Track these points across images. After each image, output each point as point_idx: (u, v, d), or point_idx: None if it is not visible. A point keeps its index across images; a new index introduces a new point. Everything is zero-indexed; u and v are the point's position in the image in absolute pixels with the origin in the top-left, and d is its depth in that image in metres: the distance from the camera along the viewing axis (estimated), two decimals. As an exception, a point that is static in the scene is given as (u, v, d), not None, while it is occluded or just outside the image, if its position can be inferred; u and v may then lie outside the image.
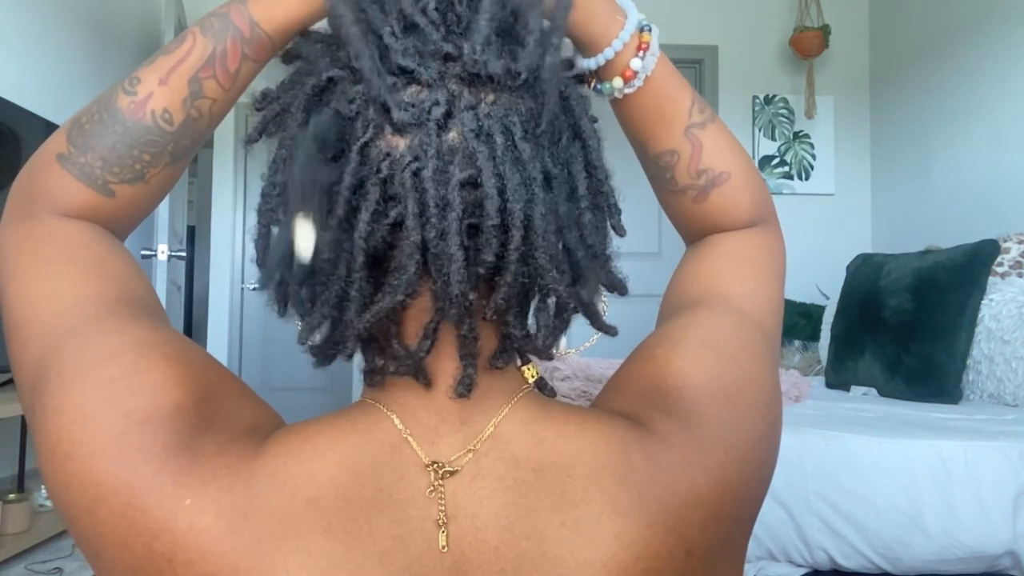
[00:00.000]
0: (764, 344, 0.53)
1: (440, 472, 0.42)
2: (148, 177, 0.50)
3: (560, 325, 0.46)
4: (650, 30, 0.53)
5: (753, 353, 0.51)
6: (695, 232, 0.61)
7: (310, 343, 0.44)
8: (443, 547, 0.40)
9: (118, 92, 0.49)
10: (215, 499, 0.38)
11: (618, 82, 0.53)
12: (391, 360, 0.44)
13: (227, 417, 0.42)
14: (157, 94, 0.49)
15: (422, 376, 0.44)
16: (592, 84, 0.54)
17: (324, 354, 0.44)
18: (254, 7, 0.49)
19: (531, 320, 0.46)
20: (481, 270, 0.41)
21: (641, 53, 0.52)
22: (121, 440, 0.38)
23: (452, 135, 0.40)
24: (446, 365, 0.44)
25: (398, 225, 0.40)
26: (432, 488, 0.42)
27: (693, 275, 0.58)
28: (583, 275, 0.44)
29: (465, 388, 0.44)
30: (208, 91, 0.50)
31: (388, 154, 0.39)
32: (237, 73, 0.50)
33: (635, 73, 0.53)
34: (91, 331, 0.42)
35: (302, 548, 0.38)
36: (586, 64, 0.53)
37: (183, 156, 0.52)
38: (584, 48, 0.53)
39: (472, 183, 0.40)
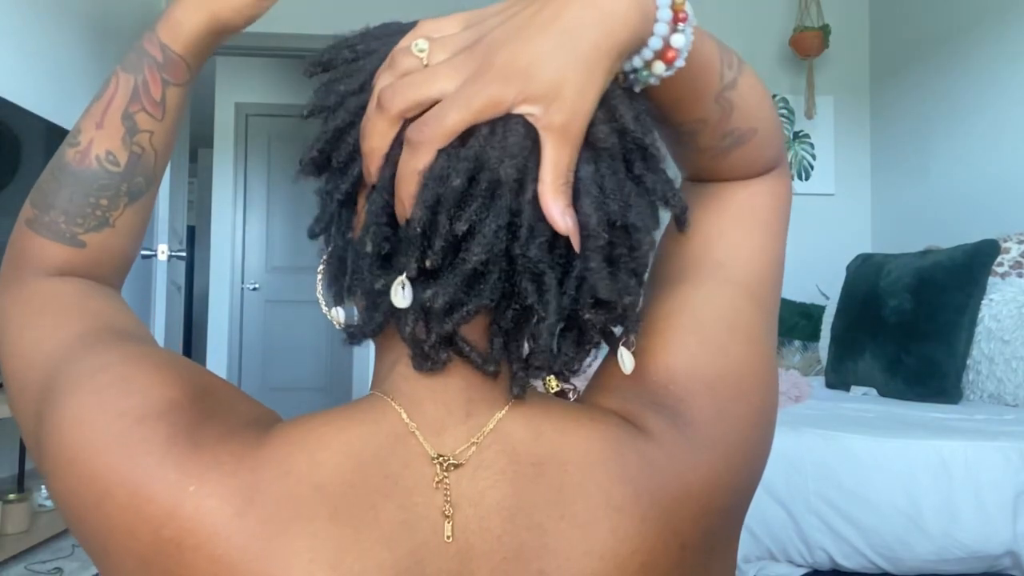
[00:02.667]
0: (756, 316, 0.52)
1: (445, 465, 0.43)
2: (112, 221, 0.53)
3: (582, 354, 0.46)
4: None
5: (742, 334, 0.50)
6: (704, 179, 0.56)
7: (349, 325, 0.45)
8: (448, 537, 0.41)
9: (64, 147, 0.52)
10: (220, 483, 0.39)
11: (659, 67, 0.42)
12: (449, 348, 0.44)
13: (225, 411, 0.43)
14: (97, 139, 0.51)
15: (491, 365, 0.45)
16: (623, 78, 0.43)
17: (363, 334, 0.45)
18: (161, 30, 0.52)
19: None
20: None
21: (680, 26, 0.42)
22: (121, 436, 0.40)
23: None
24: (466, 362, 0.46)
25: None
26: (439, 480, 0.42)
27: (689, 233, 0.54)
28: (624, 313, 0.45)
29: (521, 389, 0.45)
30: (143, 124, 0.52)
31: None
32: (163, 100, 0.52)
33: (677, 52, 0.42)
34: (80, 354, 0.44)
35: (309, 531, 0.38)
36: (627, 65, 0.42)
37: (140, 194, 0.54)
38: None
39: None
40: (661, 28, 0.41)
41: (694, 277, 0.52)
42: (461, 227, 0.38)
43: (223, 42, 0.54)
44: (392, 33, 0.46)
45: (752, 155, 0.53)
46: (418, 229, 0.39)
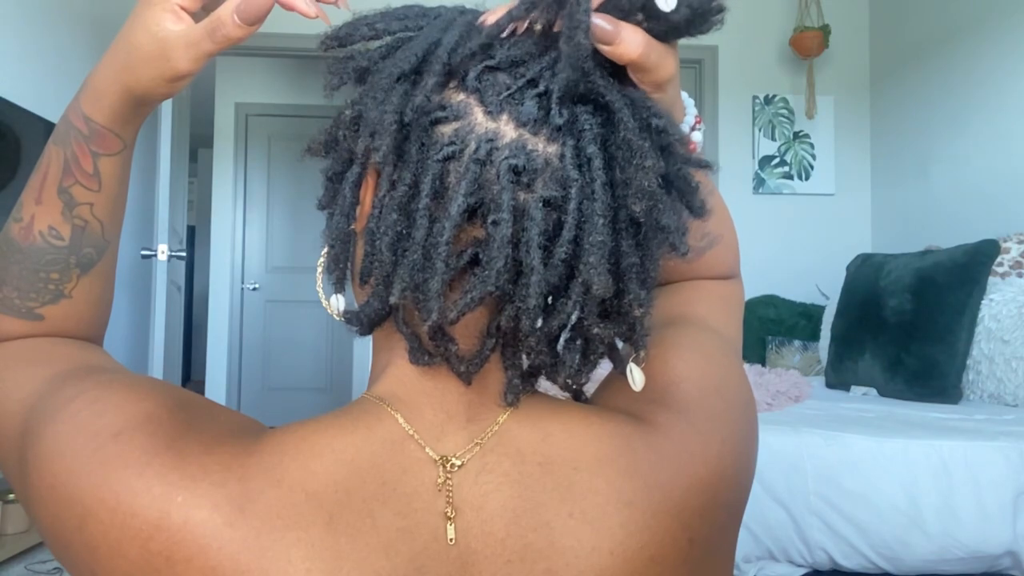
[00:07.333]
0: (737, 357, 0.58)
1: (448, 467, 0.42)
2: (68, 292, 0.51)
3: (588, 366, 0.45)
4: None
5: (730, 360, 0.56)
6: (674, 280, 0.64)
7: (348, 313, 0.44)
8: (451, 540, 0.41)
9: (10, 222, 0.50)
10: (208, 494, 0.38)
11: None
12: (444, 356, 0.43)
13: (207, 421, 0.42)
14: (38, 214, 0.49)
15: (473, 369, 0.44)
16: None
17: (371, 322, 0.44)
18: (84, 100, 0.48)
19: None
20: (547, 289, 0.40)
21: (700, 126, 0.53)
22: (97, 455, 0.39)
23: (553, 148, 0.40)
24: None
25: (473, 215, 0.40)
26: (442, 481, 0.42)
27: (670, 299, 0.61)
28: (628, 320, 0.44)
29: (514, 397, 0.44)
30: (80, 197, 0.49)
31: (492, 139, 0.39)
32: (97, 172, 0.49)
33: (696, 145, 0.53)
34: (53, 391, 0.44)
35: (305, 540, 0.38)
36: None
37: (92, 264, 0.52)
38: None
39: (552, 204, 0.40)
40: (689, 119, 0.52)
41: (686, 320, 0.58)
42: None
43: (150, 111, 0.49)
44: (414, 16, 0.45)
45: (719, 256, 0.63)
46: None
